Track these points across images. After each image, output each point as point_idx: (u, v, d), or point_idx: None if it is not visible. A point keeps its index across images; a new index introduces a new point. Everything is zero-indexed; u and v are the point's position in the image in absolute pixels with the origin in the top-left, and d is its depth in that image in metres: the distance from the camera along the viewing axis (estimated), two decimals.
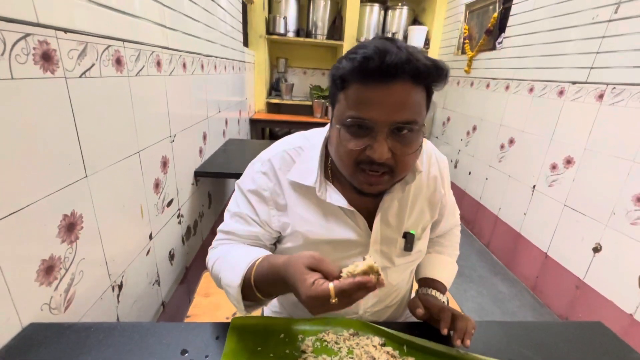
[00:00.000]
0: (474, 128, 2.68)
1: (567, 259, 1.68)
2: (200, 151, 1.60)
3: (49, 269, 0.63)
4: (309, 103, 3.43)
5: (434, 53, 3.39)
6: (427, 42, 3.39)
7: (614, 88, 1.46)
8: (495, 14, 2.45)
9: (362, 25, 3.34)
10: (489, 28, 2.49)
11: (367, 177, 0.52)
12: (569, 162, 1.69)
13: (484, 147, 2.51)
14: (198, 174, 1.52)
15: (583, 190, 1.61)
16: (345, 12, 3.21)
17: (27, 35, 0.56)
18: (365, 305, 0.68)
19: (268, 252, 0.58)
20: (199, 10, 1.47)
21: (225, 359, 0.52)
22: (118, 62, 0.84)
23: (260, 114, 3.36)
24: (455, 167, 2.96)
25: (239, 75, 2.50)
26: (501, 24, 2.43)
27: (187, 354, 0.54)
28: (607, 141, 1.49)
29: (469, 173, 2.72)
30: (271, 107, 3.60)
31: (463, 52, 2.86)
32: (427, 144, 0.66)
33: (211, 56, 1.68)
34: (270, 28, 3.19)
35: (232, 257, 0.57)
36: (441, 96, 3.32)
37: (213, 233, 1.10)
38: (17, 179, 0.55)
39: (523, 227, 2.02)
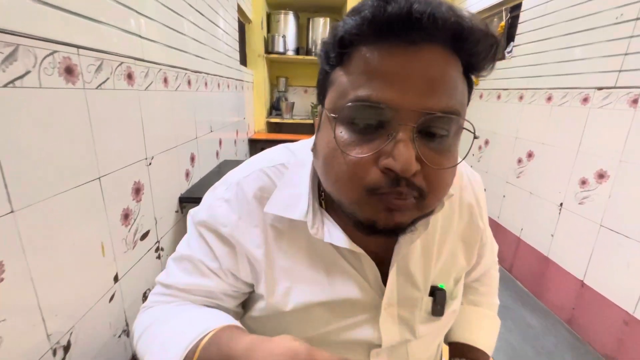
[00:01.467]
0: (486, 142, 2.50)
1: (610, 289, 1.45)
2: (187, 174, 1.44)
3: None
4: (311, 121, 3.32)
5: None
6: None
7: None
8: (503, 23, 2.33)
9: None
10: None
11: (385, 201, 0.31)
12: (601, 176, 1.50)
13: (499, 162, 2.32)
14: (184, 200, 1.36)
15: (622, 208, 1.40)
16: None
17: None
18: None
19: (228, 319, 0.40)
20: (186, 24, 1.36)
21: None
22: (69, 71, 0.70)
23: (260, 134, 3.25)
24: None
25: (236, 95, 2.40)
26: (509, 33, 2.31)
27: None
28: None
29: (484, 190, 2.52)
30: (271, 127, 3.50)
31: None
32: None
33: (200, 72, 1.56)
34: (269, 47, 3.13)
35: (168, 329, 0.40)
36: None
37: None
38: None
39: (551, 251, 1.80)
